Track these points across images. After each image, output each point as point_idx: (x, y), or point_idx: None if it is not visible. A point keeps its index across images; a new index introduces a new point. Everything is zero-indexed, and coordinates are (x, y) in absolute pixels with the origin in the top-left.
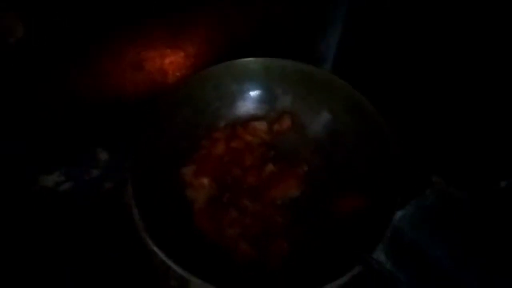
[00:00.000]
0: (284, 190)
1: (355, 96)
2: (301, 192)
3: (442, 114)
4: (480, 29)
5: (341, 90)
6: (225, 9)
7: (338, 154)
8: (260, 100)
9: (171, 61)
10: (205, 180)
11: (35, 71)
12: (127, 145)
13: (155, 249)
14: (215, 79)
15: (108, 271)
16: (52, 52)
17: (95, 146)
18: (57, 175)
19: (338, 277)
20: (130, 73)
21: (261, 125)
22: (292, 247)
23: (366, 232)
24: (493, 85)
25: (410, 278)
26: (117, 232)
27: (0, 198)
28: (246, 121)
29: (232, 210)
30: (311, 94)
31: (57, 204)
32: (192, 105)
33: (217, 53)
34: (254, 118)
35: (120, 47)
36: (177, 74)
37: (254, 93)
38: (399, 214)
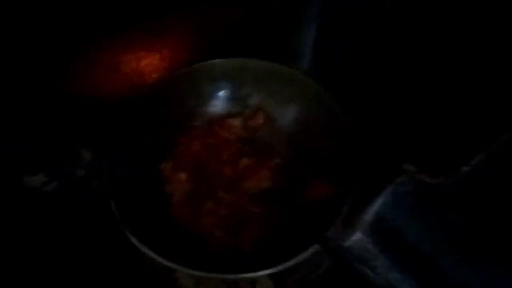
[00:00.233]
0: (257, 181)
1: (320, 91)
2: (273, 182)
3: (411, 108)
4: (448, 26)
5: (307, 86)
6: (198, 12)
7: (308, 146)
8: (235, 98)
9: (147, 63)
10: (183, 175)
11: (15, 75)
12: (108, 144)
13: (129, 235)
14: (190, 79)
15: (96, 265)
16: (29, 57)
17: (78, 146)
18: (41, 176)
19: (299, 254)
20: (108, 76)
21: (236, 122)
22: (263, 232)
23: (326, 215)
24: (454, 81)
25: (391, 262)
26: (104, 228)
27: None
28: (222, 118)
29: (208, 202)
30: (281, 90)
31: (44, 204)
32: (169, 105)
33: (192, 54)
34: (230, 115)
35: (98, 52)
36: (154, 75)
37: (228, 92)
38: (379, 201)
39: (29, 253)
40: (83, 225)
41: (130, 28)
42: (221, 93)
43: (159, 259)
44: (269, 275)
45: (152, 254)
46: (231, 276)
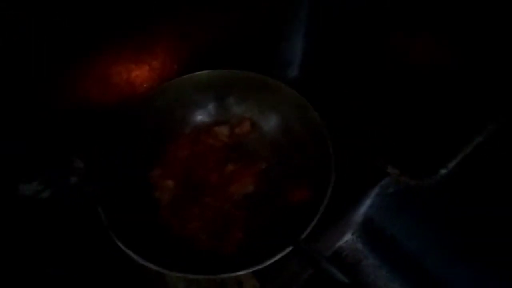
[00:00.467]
0: (241, 187)
1: (301, 101)
2: (256, 187)
3: (395, 115)
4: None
5: (290, 96)
6: (186, 26)
7: (289, 152)
8: (221, 107)
9: (137, 75)
10: (170, 182)
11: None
12: (99, 151)
13: (116, 241)
14: (178, 90)
15: (88, 269)
16: (20, 68)
17: (71, 154)
18: (36, 184)
19: (275, 256)
20: (100, 86)
21: (223, 130)
22: (245, 234)
23: (301, 219)
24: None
25: (380, 262)
26: (96, 233)
27: None
28: (209, 126)
29: (194, 207)
30: (264, 99)
31: (38, 211)
32: (158, 114)
33: (180, 65)
34: (217, 123)
35: (91, 64)
36: (144, 85)
37: (215, 101)
38: (367, 203)
39: (23, 257)
40: (76, 230)
41: (121, 41)
42: (208, 103)
43: (147, 264)
44: (256, 276)
45: (140, 260)
46: (212, 277)
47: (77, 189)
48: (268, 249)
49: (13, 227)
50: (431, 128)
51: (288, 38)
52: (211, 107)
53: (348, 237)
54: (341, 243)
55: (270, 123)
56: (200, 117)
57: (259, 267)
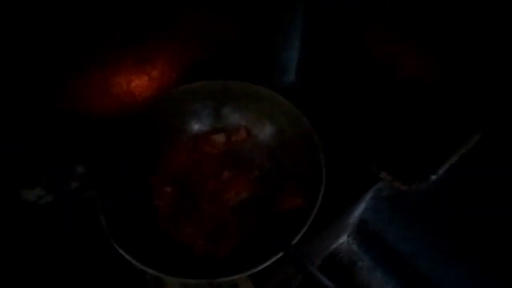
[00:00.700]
0: (237, 193)
1: (294, 111)
2: (251, 194)
3: (389, 121)
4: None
5: (283, 106)
6: (184, 38)
7: (283, 160)
8: (218, 116)
9: (137, 85)
10: (169, 189)
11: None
12: (100, 159)
13: (117, 247)
14: (177, 99)
15: (88, 273)
16: (20, 68)
17: (72, 161)
18: (38, 190)
19: (268, 260)
20: (101, 96)
21: (220, 138)
22: (239, 239)
23: (293, 225)
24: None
25: (374, 263)
26: (96, 237)
27: None
28: (207, 135)
29: (191, 213)
30: (260, 109)
31: (40, 215)
32: (157, 123)
33: (179, 75)
34: (214, 131)
35: (91, 74)
36: (143, 95)
37: (212, 110)
38: (362, 206)
39: (25, 261)
40: (77, 233)
41: (121, 53)
42: (205, 112)
43: (146, 269)
44: (251, 279)
45: (138, 264)
46: (208, 280)
47: (78, 194)
48: (261, 253)
49: (16, 230)
50: (421, 138)
51: (284, 44)
52: (208, 116)
53: (343, 239)
54: (337, 245)
55: (265, 131)
56: (197, 125)
57: (253, 271)
